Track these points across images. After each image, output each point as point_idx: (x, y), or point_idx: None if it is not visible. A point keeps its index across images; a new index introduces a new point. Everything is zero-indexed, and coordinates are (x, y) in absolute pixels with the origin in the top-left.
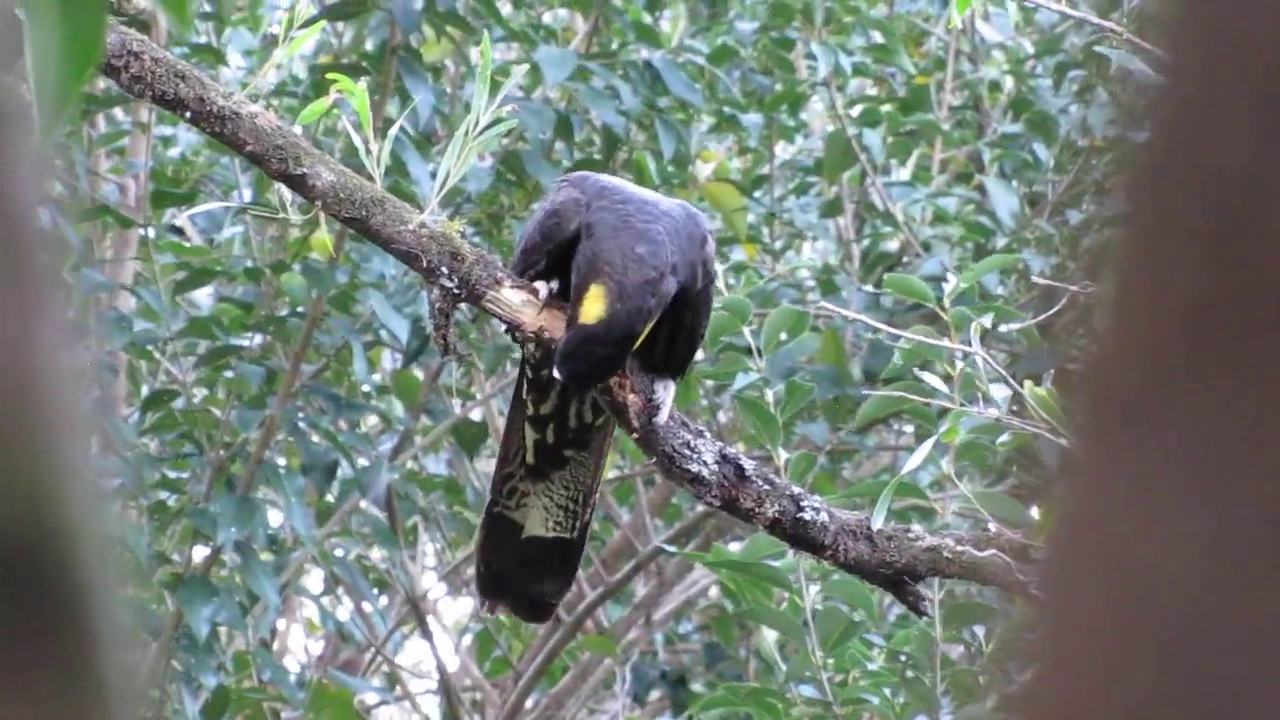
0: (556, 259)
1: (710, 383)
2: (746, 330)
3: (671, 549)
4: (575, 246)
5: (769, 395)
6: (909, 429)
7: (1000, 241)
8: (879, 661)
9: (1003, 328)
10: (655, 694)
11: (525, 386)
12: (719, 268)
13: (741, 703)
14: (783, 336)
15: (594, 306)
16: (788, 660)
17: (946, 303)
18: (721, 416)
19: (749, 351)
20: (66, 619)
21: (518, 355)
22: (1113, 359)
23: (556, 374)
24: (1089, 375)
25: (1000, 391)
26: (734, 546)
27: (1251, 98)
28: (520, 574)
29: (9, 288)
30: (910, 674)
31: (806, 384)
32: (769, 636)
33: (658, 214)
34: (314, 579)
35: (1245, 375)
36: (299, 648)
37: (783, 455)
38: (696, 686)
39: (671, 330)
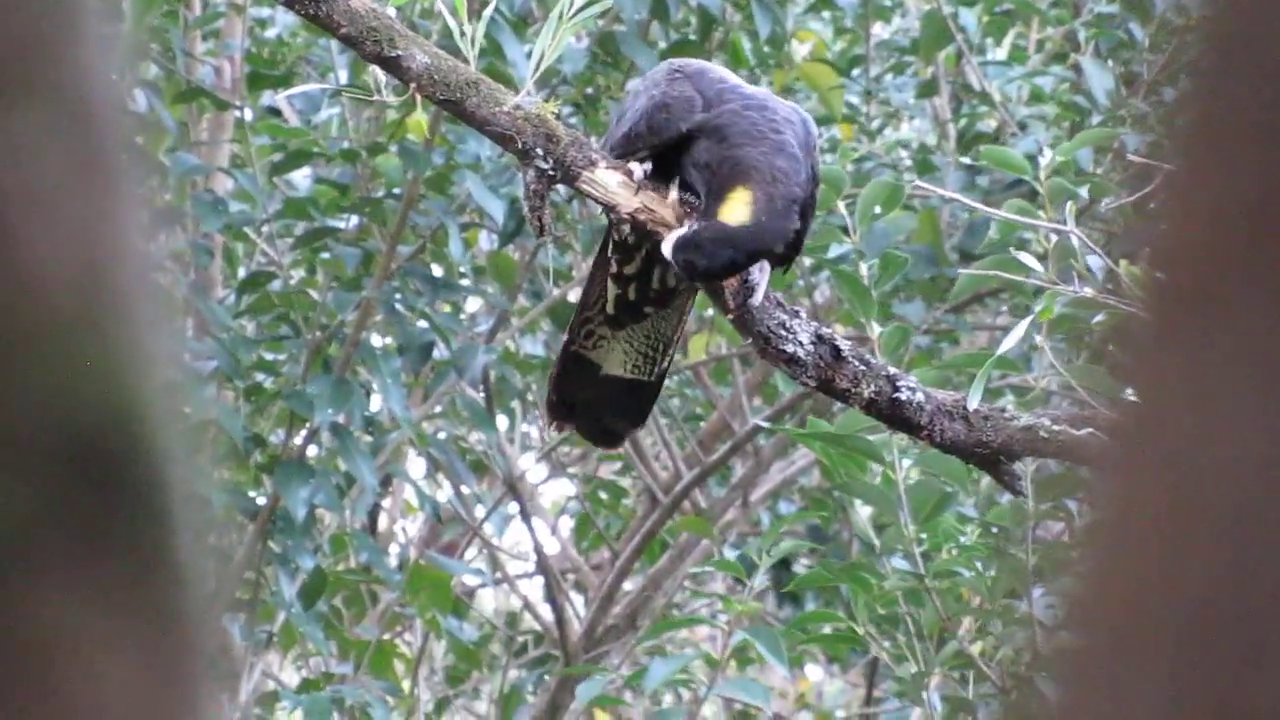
0: (657, 150)
1: (808, 261)
2: (841, 204)
3: (766, 424)
4: (680, 142)
5: (863, 269)
6: (1005, 308)
7: (1095, 120)
8: (972, 536)
9: (1101, 206)
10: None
11: (611, 246)
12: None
13: (837, 578)
14: (876, 210)
15: (738, 209)
16: (881, 535)
17: (1043, 175)
18: (818, 297)
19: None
20: (141, 506)
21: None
22: (1177, 248)
23: (667, 255)
24: (1156, 263)
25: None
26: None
27: None
28: (593, 406)
29: (83, 174)
30: (1002, 548)
31: (901, 256)
32: (863, 513)
33: (782, 122)
34: (416, 463)
35: None
36: (400, 531)
37: (876, 329)
38: (798, 568)
39: None
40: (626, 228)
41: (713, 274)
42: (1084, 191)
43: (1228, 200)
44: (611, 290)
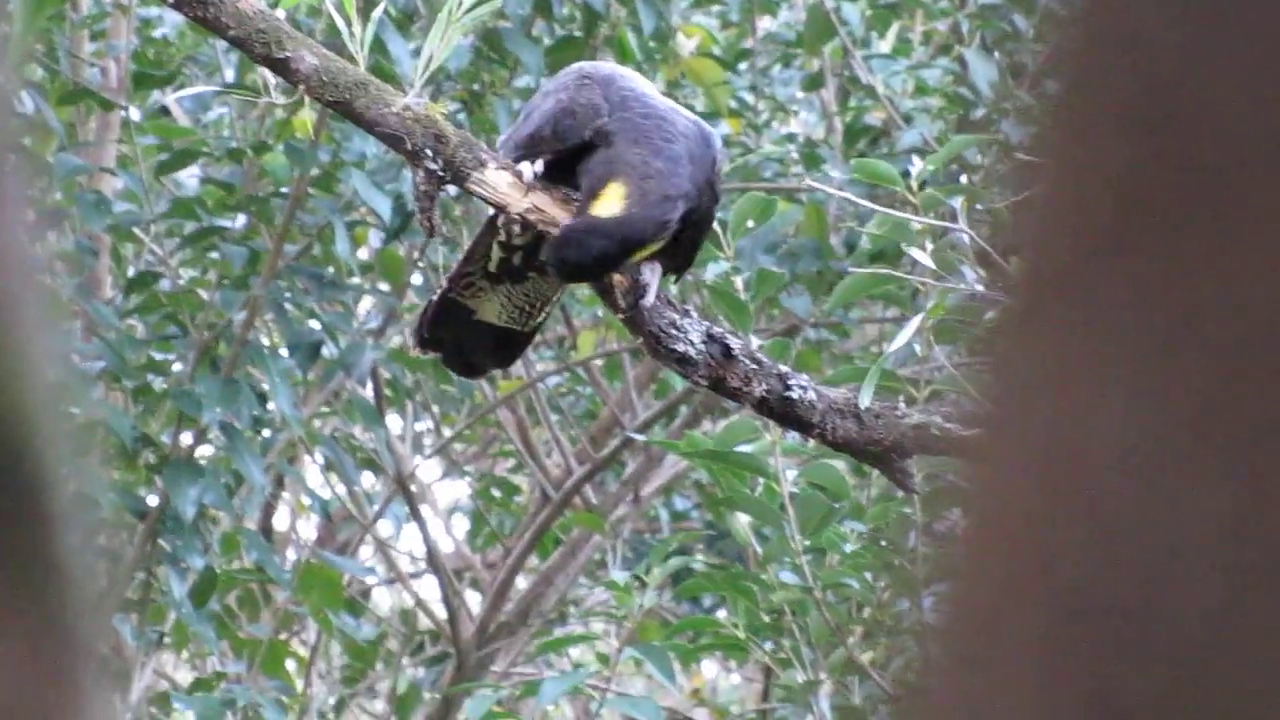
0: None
1: (689, 277)
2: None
3: (640, 436)
4: (581, 149)
5: (739, 282)
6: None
7: (980, 112)
8: (854, 544)
9: (987, 201)
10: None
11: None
12: None
13: (719, 587)
14: (750, 224)
15: (610, 203)
16: (764, 543)
17: (914, 185)
18: (707, 295)
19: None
20: (28, 507)
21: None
22: (1044, 231)
23: (545, 260)
24: (1024, 248)
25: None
26: (722, 423)
27: None
28: (461, 344)
29: None
30: (890, 560)
31: (778, 272)
32: (742, 519)
33: (676, 134)
34: (313, 463)
35: (1174, 253)
36: (296, 530)
37: (755, 342)
38: (697, 565)
39: (670, 246)
40: (516, 228)
41: (585, 267)
42: (956, 202)
43: (1092, 186)
44: (496, 253)
